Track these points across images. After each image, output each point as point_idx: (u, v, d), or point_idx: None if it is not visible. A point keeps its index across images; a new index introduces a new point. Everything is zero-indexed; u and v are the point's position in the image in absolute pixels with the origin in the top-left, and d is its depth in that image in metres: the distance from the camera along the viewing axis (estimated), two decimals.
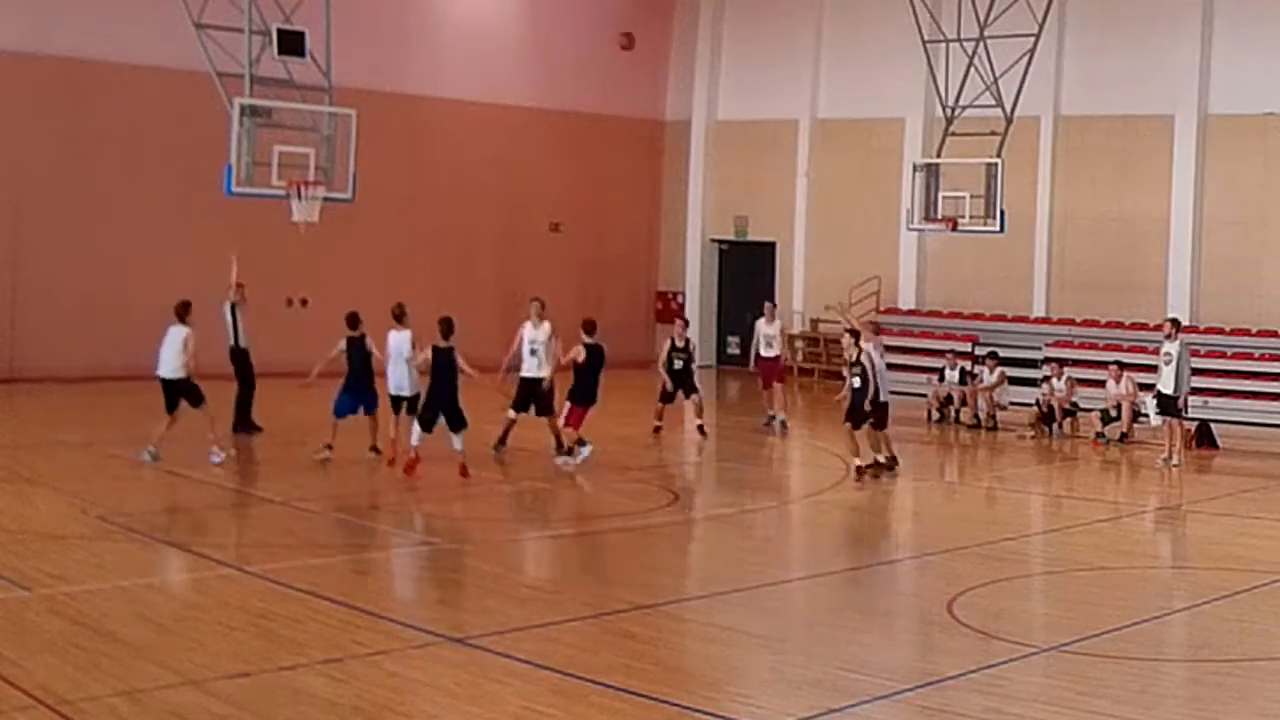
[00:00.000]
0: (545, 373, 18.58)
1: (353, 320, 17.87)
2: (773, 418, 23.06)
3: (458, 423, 16.76)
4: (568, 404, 18.26)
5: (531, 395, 18.65)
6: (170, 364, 17.13)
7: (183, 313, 17.36)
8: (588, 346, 18.43)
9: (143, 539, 13.23)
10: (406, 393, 17.71)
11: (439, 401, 16.68)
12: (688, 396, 21.55)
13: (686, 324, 22.98)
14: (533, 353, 18.70)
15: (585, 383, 18.45)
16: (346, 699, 8.75)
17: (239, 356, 19.61)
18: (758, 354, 23.29)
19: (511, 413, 18.63)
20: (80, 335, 25.22)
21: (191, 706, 8.45)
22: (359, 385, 17.85)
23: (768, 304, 24.07)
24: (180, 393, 17.14)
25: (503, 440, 18.60)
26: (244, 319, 19.77)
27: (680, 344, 21.70)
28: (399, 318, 17.95)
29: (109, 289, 25.52)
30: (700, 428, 21.33)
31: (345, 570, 12.70)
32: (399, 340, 17.80)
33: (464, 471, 16.82)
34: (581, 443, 18.17)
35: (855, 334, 18.53)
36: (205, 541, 13.71)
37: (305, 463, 17.44)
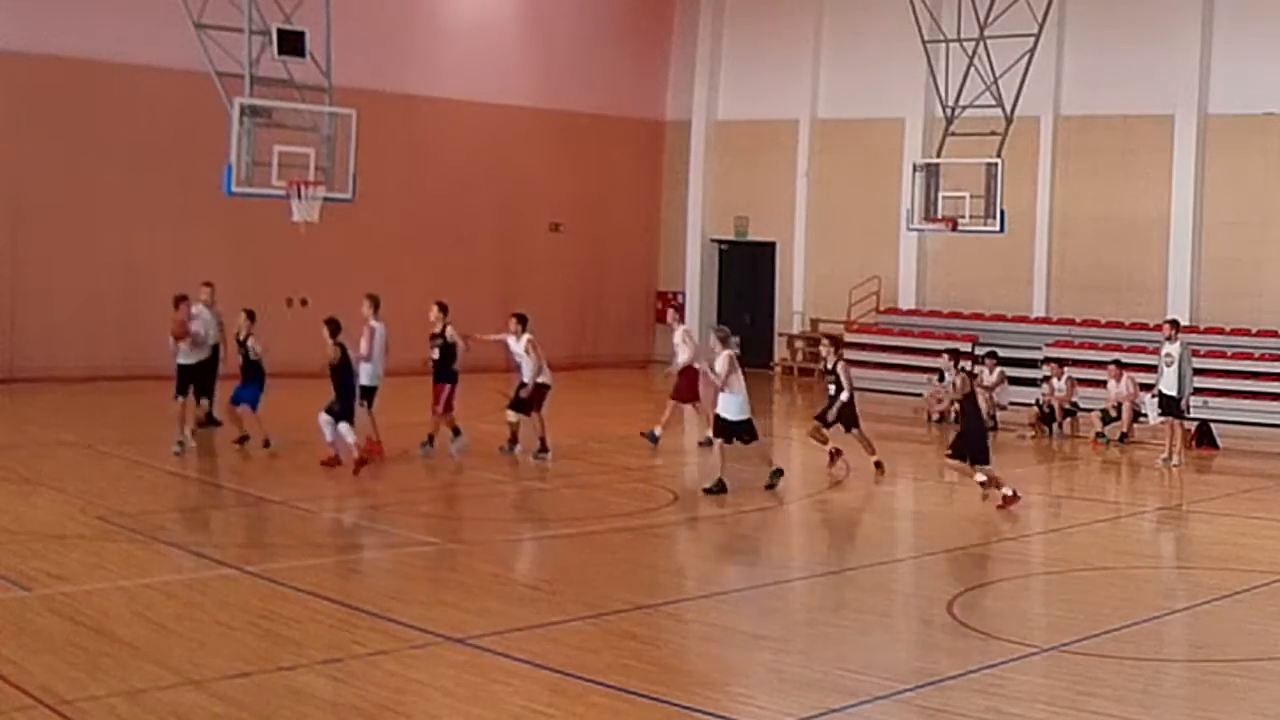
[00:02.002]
0: (540, 378, 18.78)
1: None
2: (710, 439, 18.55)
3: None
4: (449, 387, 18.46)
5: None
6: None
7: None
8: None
9: (143, 539, 13.23)
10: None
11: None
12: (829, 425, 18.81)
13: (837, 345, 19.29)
14: (519, 364, 19.09)
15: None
16: (346, 699, 8.75)
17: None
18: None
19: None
20: (80, 335, 25.23)
21: (191, 706, 8.45)
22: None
23: (670, 310, 21.16)
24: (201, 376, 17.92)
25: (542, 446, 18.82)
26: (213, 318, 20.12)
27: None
28: (377, 309, 18.31)
29: (109, 289, 25.53)
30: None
31: (345, 570, 12.71)
32: (382, 332, 18.24)
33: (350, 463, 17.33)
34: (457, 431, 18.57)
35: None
36: (205, 541, 13.72)
37: (305, 463, 17.42)
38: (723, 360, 16.69)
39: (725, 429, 16.76)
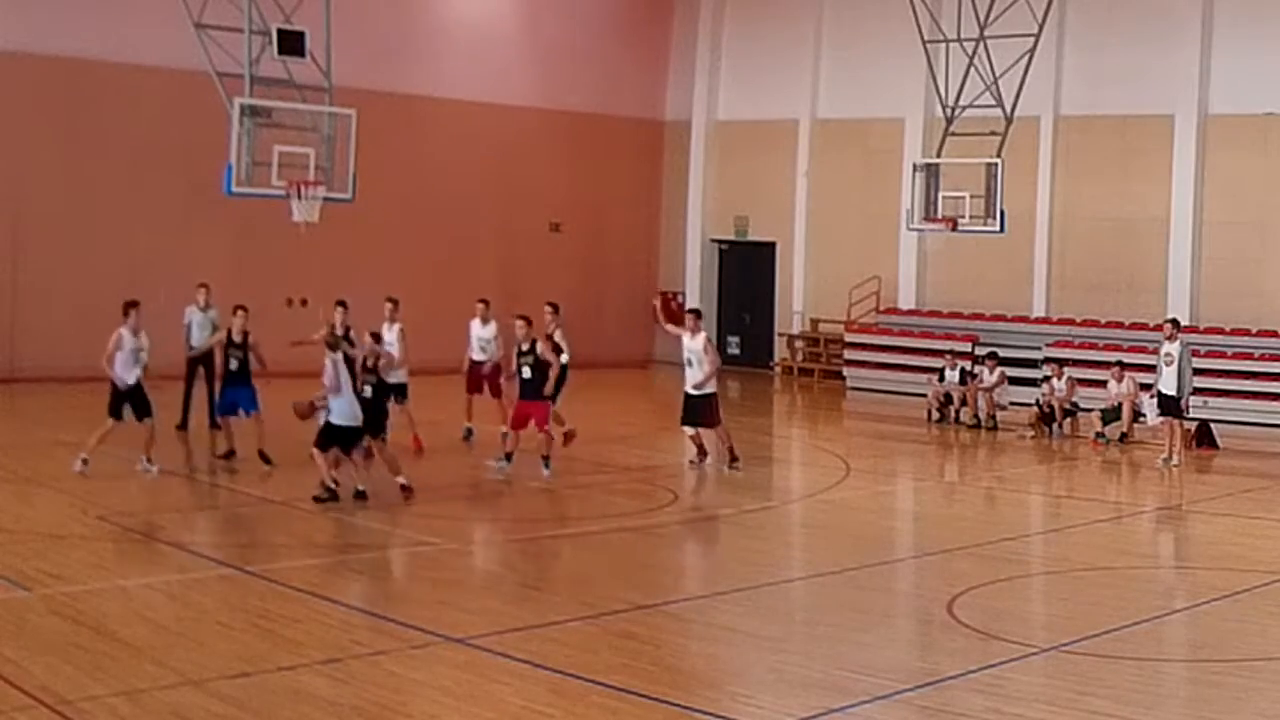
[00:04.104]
0: (708, 386, 18.08)
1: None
2: (471, 431, 19.70)
3: None
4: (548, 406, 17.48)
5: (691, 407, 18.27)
6: None
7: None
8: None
9: (143, 539, 13.23)
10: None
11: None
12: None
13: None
14: (689, 364, 18.25)
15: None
16: (346, 699, 8.75)
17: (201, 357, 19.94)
18: (470, 359, 19.66)
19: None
20: (80, 335, 25.15)
21: (191, 706, 8.45)
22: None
23: (479, 303, 20.13)
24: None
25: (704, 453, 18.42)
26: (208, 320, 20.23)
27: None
28: (397, 306, 18.74)
29: (109, 289, 25.42)
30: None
31: (345, 570, 12.71)
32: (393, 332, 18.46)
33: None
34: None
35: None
36: (205, 541, 13.72)
37: (304, 463, 17.40)
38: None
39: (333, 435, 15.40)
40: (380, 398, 16.28)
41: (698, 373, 18.05)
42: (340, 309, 18.14)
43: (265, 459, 17.22)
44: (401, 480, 15.72)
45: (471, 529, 15.23)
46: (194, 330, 20.29)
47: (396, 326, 18.69)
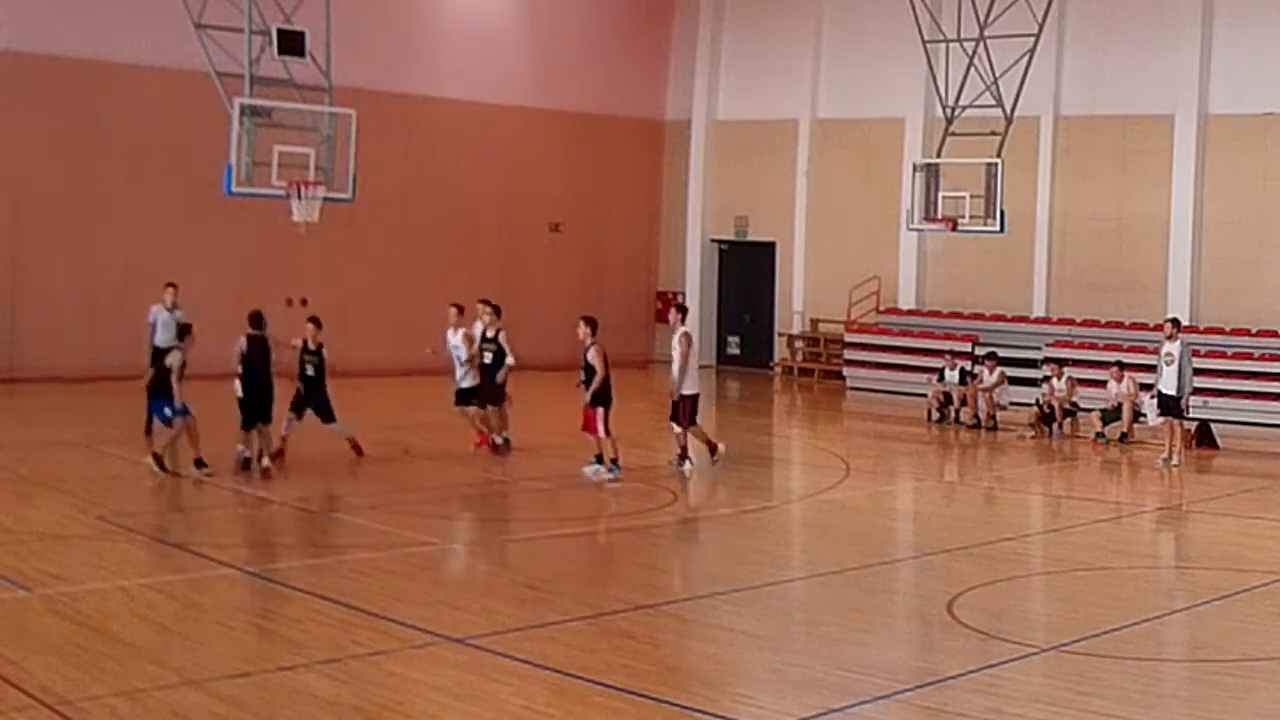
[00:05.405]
0: (680, 385, 17.94)
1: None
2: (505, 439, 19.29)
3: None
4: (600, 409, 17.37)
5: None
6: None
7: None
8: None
9: (143, 539, 13.24)
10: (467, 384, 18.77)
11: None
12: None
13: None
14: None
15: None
16: (346, 699, 8.75)
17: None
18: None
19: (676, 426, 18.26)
20: (80, 335, 25.22)
21: (191, 706, 8.45)
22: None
23: (480, 304, 19.73)
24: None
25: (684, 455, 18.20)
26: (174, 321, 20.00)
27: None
28: (461, 312, 19.02)
29: (109, 289, 25.52)
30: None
31: (345, 570, 12.70)
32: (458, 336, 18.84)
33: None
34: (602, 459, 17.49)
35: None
36: (205, 541, 13.70)
37: (304, 463, 17.42)
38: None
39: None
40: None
41: (674, 367, 18.05)
42: (312, 325, 17.86)
43: (201, 464, 16.56)
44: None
45: (472, 529, 15.24)
46: (159, 330, 20.05)
47: (502, 332, 18.83)
